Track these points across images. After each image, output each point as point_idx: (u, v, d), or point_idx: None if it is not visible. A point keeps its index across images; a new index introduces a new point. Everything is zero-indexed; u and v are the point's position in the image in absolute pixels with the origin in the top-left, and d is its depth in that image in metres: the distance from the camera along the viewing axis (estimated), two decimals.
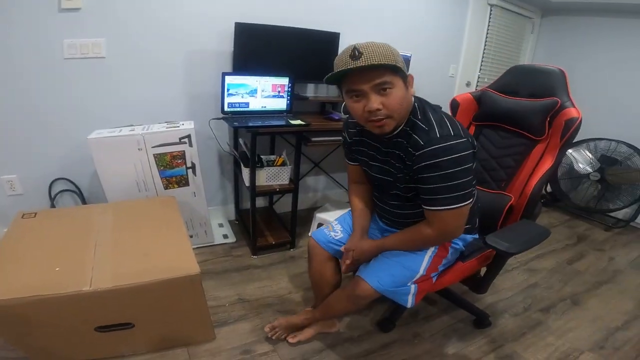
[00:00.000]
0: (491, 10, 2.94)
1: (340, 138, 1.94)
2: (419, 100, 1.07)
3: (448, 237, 1.14)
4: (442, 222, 1.04)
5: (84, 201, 1.96)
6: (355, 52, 0.91)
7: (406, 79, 0.99)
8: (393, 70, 0.93)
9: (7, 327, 1.12)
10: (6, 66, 1.62)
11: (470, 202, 1.03)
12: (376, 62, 0.90)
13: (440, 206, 1.00)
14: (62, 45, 1.68)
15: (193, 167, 1.80)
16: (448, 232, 1.08)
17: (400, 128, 1.04)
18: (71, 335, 1.19)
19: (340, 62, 0.94)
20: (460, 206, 1.00)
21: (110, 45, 1.76)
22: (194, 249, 1.30)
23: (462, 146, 0.96)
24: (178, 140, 1.71)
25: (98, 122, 1.78)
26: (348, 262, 1.23)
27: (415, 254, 1.17)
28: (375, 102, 0.95)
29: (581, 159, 2.78)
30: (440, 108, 1.14)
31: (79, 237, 1.33)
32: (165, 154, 1.71)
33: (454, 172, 0.95)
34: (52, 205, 1.89)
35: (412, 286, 1.16)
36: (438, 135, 0.97)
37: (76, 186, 1.93)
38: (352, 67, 0.91)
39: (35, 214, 1.45)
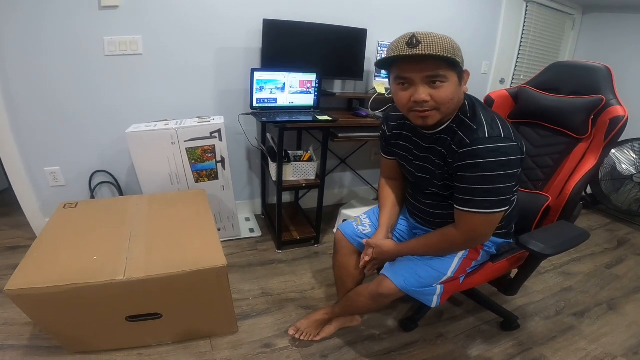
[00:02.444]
0: (527, 6, 2.82)
1: (368, 134, 1.97)
2: (470, 98, 1.02)
3: (474, 243, 1.10)
4: (470, 225, 1.00)
5: (121, 193, 2.05)
6: (413, 40, 0.87)
7: (462, 75, 0.94)
8: (450, 63, 0.89)
9: (44, 315, 1.17)
10: (51, 63, 1.71)
11: (507, 210, 0.98)
12: (434, 53, 0.85)
13: (472, 208, 0.96)
14: (103, 42, 1.76)
15: (222, 161, 1.85)
16: (475, 237, 1.04)
17: (446, 124, 1.00)
18: (103, 324, 1.24)
19: (395, 48, 0.90)
20: (494, 212, 0.95)
21: (146, 42, 1.83)
22: (221, 242, 1.32)
23: (510, 150, 0.90)
24: (209, 135, 1.76)
25: (135, 117, 1.87)
26: (367, 258, 1.21)
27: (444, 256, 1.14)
28: (423, 93, 0.91)
29: (625, 160, 2.62)
30: None
31: (115, 227, 1.39)
32: (196, 148, 1.76)
33: (496, 175, 0.90)
34: (92, 196, 2.00)
35: (438, 287, 1.14)
36: (487, 135, 0.91)
37: (114, 178, 2.03)
38: (407, 53, 0.87)
39: (77, 204, 1.53)
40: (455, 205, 1.01)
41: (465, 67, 0.96)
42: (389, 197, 1.30)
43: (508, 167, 0.90)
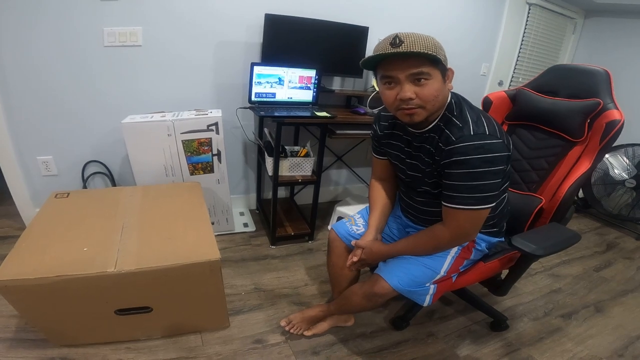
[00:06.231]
0: (529, 9, 2.83)
1: (365, 132, 1.97)
2: (456, 96, 1.03)
3: (461, 240, 1.10)
4: (457, 221, 1.00)
5: (114, 183, 2.03)
6: (396, 40, 0.89)
7: (445, 73, 0.96)
8: (432, 61, 0.90)
9: (31, 307, 1.15)
10: (48, 52, 1.68)
11: (491, 206, 0.99)
12: (416, 50, 0.87)
13: (458, 205, 0.97)
14: (103, 33, 1.73)
15: (219, 154, 1.84)
16: (462, 234, 1.04)
17: (434, 123, 1.01)
18: (92, 317, 1.22)
19: (379, 48, 0.92)
20: (479, 208, 0.96)
21: (146, 34, 1.81)
22: (214, 235, 1.31)
23: (495, 147, 0.91)
24: (206, 128, 1.74)
25: (132, 108, 1.85)
26: (355, 259, 1.21)
27: (437, 254, 1.14)
28: (408, 91, 0.92)
29: (617, 165, 2.65)
30: None
31: (107, 218, 1.37)
32: (193, 140, 1.75)
33: (481, 171, 0.92)
34: (84, 187, 1.97)
35: (431, 286, 1.14)
36: (472, 133, 0.93)
37: (107, 169, 2.00)
38: (389, 52, 0.89)
39: (68, 194, 1.51)
40: (442, 202, 1.02)
41: (456, 67, 0.97)
42: (380, 198, 1.29)
43: (493, 163, 0.92)
